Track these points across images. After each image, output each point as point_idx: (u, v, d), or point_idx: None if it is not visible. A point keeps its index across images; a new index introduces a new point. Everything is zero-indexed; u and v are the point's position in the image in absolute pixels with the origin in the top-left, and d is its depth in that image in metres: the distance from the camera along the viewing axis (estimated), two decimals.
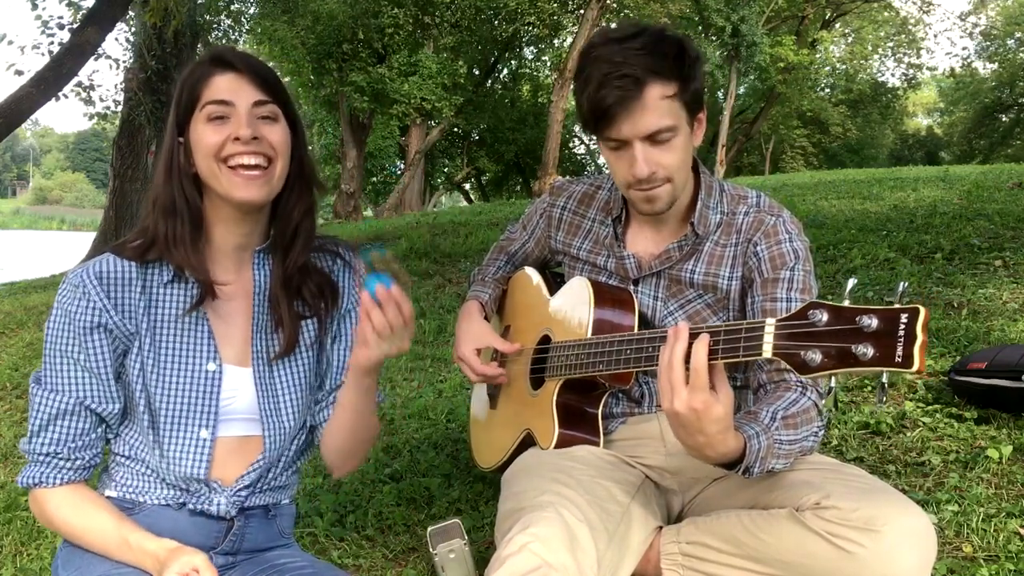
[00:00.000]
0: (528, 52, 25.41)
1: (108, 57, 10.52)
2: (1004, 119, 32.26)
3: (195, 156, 1.32)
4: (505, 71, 26.62)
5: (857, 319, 1.08)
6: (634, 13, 19.36)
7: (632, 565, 1.48)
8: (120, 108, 10.64)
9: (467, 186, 30.89)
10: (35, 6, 10.04)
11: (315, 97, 18.60)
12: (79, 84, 10.63)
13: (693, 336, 1.25)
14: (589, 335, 1.61)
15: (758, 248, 1.60)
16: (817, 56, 28.23)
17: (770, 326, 1.19)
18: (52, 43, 9.75)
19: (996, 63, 31.74)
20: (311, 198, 1.42)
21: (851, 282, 1.17)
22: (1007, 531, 1.80)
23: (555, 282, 1.91)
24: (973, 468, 2.08)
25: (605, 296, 1.65)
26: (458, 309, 1.95)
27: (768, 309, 1.54)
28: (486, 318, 1.93)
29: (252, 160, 1.30)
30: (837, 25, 28.95)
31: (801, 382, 1.48)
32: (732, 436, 1.29)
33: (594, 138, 1.63)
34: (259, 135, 1.30)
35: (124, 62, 10.74)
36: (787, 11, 25.20)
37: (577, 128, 27.60)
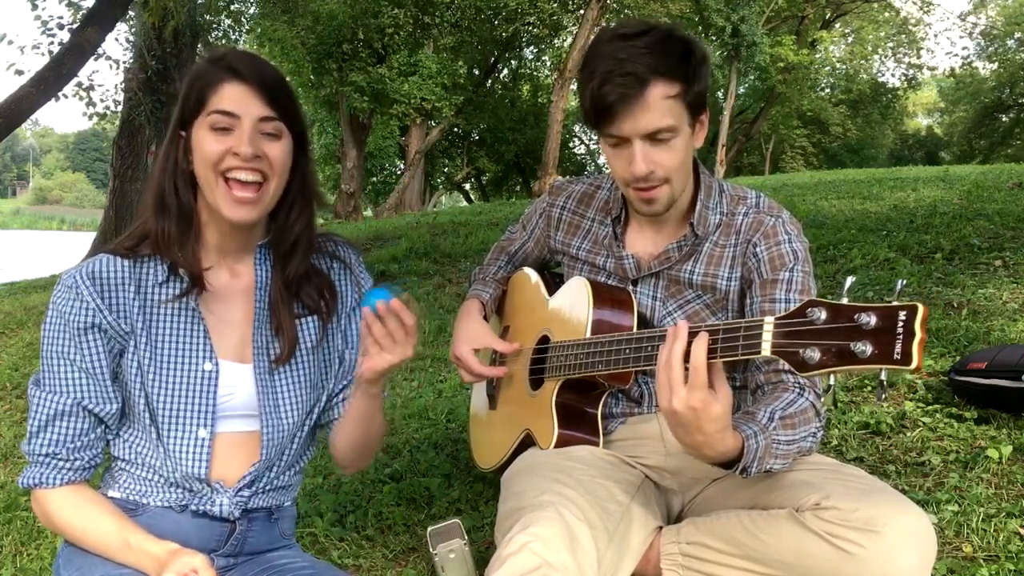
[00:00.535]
0: (528, 52, 25.42)
1: (108, 57, 10.50)
2: (1004, 119, 32.25)
3: (193, 158, 1.32)
4: (505, 71, 26.63)
5: (856, 317, 1.08)
6: (634, 13, 19.34)
7: (632, 565, 1.48)
8: (120, 108, 10.63)
9: (467, 186, 30.90)
10: (35, 6, 10.03)
11: (315, 97, 18.60)
12: (79, 84, 10.61)
13: (692, 334, 1.25)
14: (588, 335, 1.61)
15: (757, 249, 1.60)
16: (817, 56, 28.23)
17: (768, 324, 1.18)
18: (52, 43, 9.74)
19: (996, 63, 31.74)
20: (310, 213, 1.42)
21: (849, 280, 1.16)
22: (1007, 531, 1.80)
23: (554, 282, 1.90)
24: (973, 468, 2.08)
25: (604, 296, 1.65)
26: (458, 309, 1.95)
27: (767, 310, 1.54)
28: (485, 317, 1.93)
29: (249, 177, 1.30)
30: (837, 25, 28.95)
31: (799, 383, 1.48)
32: (730, 435, 1.29)
33: (595, 138, 1.63)
34: (260, 152, 1.30)
35: (124, 62, 10.73)
36: (787, 11, 25.21)
37: (577, 128, 27.62)
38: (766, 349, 1.18)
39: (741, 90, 26.26)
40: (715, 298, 1.65)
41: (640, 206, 1.61)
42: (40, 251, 25.81)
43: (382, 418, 1.47)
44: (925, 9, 28.23)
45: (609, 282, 1.72)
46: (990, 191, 6.80)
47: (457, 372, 3.30)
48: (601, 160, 28.56)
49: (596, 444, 1.67)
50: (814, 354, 1.11)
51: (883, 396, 1.14)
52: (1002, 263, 3.96)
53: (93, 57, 8.88)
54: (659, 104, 1.48)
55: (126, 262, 1.34)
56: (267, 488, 1.44)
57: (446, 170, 29.25)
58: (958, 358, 2.66)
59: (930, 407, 2.45)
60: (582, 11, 17.28)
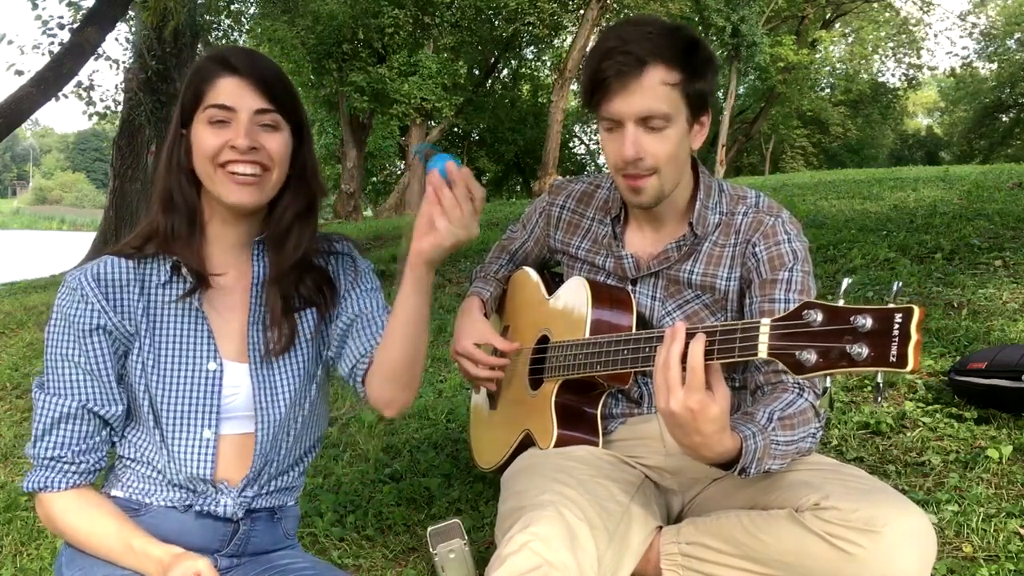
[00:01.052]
0: (528, 52, 25.42)
1: (108, 57, 10.51)
2: (1004, 119, 32.25)
3: (193, 154, 1.33)
4: (505, 71, 26.63)
5: (852, 319, 1.08)
6: (634, 13, 19.36)
7: (632, 565, 1.48)
8: (120, 108, 10.64)
9: None
10: (35, 6, 10.04)
11: (315, 97, 18.61)
12: (79, 84, 10.63)
13: (689, 336, 1.25)
14: (587, 335, 1.61)
15: (757, 249, 1.60)
16: (817, 56, 28.24)
17: (765, 326, 1.18)
18: (52, 43, 9.75)
19: (996, 63, 31.74)
20: (307, 201, 1.41)
21: (845, 282, 1.16)
22: (1007, 531, 1.80)
23: (554, 282, 1.90)
24: (973, 468, 2.08)
25: (603, 296, 1.65)
26: (458, 308, 1.94)
27: (766, 310, 1.54)
28: (486, 315, 1.93)
29: (248, 169, 1.30)
30: (837, 25, 28.96)
31: (798, 383, 1.48)
32: (728, 436, 1.29)
33: (595, 138, 1.63)
34: (257, 144, 1.30)
35: (124, 62, 10.74)
36: (787, 11, 25.22)
37: (577, 128, 27.62)
38: (762, 351, 1.18)
39: (741, 90, 26.27)
40: (714, 298, 1.65)
41: (628, 195, 1.60)
42: (40, 251, 25.81)
43: (427, 329, 1.34)
44: (925, 9, 28.25)
45: (608, 282, 1.72)
46: (990, 191, 6.80)
47: (457, 372, 3.32)
48: (601, 160, 28.58)
49: (596, 444, 1.67)
50: (810, 356, 1.11)
51: (880, 399, 1.14)
52: (1002, 263, 3.96)
53: (93, 57, 8.89)
54: (656, 88, 1.48)
55: (130, 263, 1.34)
56: (271, 488, 1.43)
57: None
58: (958, 358, 2.66)
59: (930, 407, 2.45)
60: (582, 11, 17.29)
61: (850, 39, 31.11)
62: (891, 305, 1.06)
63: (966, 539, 1.79)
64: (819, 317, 1.11)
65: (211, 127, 1.30)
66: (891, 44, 30.91)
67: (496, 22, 19.48)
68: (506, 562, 1.29)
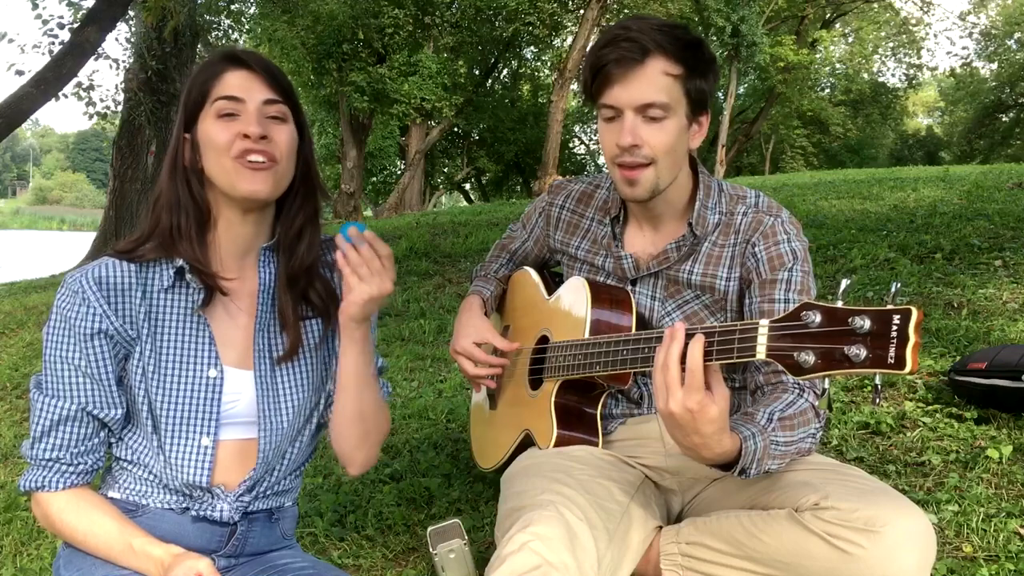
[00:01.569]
0: (528, 52, 25.40)
1: (108, 57, 10.51)
2: (1004, 119, 32.24)
3: (203, 152, 1.32)
4: (505, 71, 26.62)
5: (850, 320, 1.07)
6: (634, 13, 19.36)
7: (632, 565, 1.48)
8: (120, 108, 10.64)
9: (467, 186, 30.91)
10: (35, 6, 10.04)
11: (315, 97, 18.62)
12: (79, 84, 10.62)
13: (689, 336, 1.24)
14: (586, 335, 1.61)
15: (756, 249, 1.60)
16: (817, 56, 28.24)
17: (763, 327, 1.18)
18: (52, 43, 9.74)
19: (996, 63, 31.74)
20: (315, 203, 1.41)
21: (844, 283, 1.16)
22: (1007, 531, 1.80)
23: (554, 282, 1.90)
24: (973, 468, 2.08)
25: (603, 296, 1.65)
26: (458, 308, 1.94)
27: (766, 310, 1.54)
28: (486, 314, 1.93)
29: (259, 158, 1.29)
30: (837, 25, 28.97)
31: (798, 384, 1.48)
32: (728, 437, 1.29)
33: (595, 138, 1.63)
34: (267, 134, 1.29)
35: (124, 62, 10.74)
36: (787, 11, 25.22)
37: (577, 128, 27.62)
38: (761, 352, 1.18)
39: (741, 90, 26.27)
40: (714, 298, 1.65)
41: (623, 188, 1.59)
42: (40, 251, 25.79)
43: (376, 389, 1.43)
44: (925, 9, 28.26)
45: (608, 282, 1.72)
46: (990, 191, 6.80)
47: (457, 372, 3.32)
48: (601, 160, 28.56)
49: (595, 444, 1.67)
50: (808, 357, 1.11)
51: (878, 400, 1.14)
52: (1002, 263, 3.96)
53: (93, 57, 8.88)
54: (657, 77, 1.49)
55: (132, 266, 1.32)
56: (268, 492, 1.43)
57: (446, 170, 29.25)
58: (958, 358, 2.66)
59: (930, 407, 2.45)
60: (582, 11, 17.27)
61: (850, 39, 31.11)
62: (889, 307, 1.06)
63: (966, 539, 1.79)
64: (817, 318, 1.11)
65: (220, 121, 1.29)
66: (891, 44, 30.93)
67: (496, 22, 19.47)
68: (506, 562, 1.29)
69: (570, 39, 20.04)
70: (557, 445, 1.64)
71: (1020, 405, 2.30)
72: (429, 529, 1.79)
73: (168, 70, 9.92)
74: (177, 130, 1.34)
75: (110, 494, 1.37)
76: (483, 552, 1.89)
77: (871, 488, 1.37)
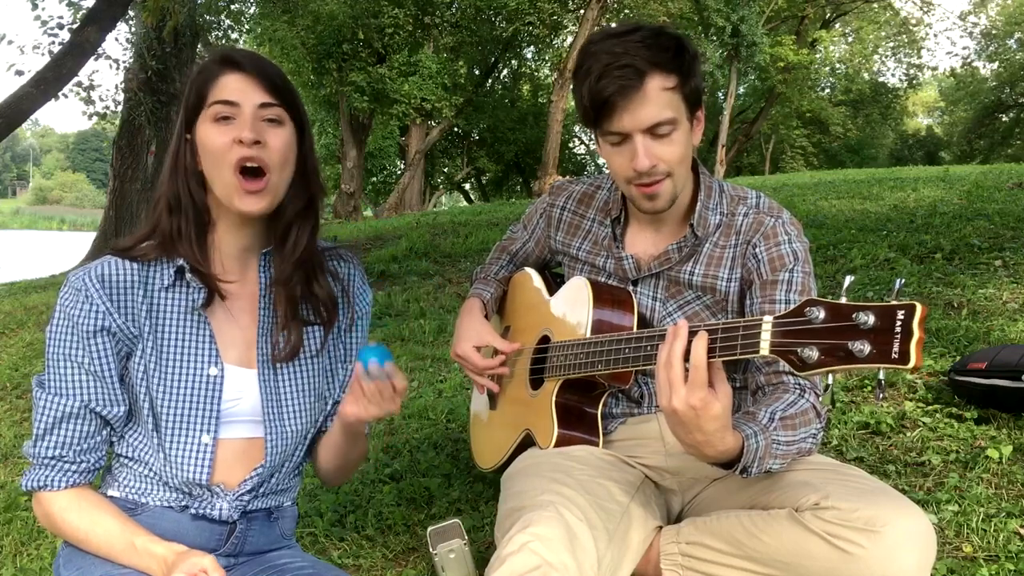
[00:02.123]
0: (528, 52, 25.40)
1: (108, 57, 10.51)
2: (1004, 119, 32.25)
3: (200, 155, 1.32)
4: (505, 71, 26.62)
5: (854, 316, 1.08)
6: (634, 13, 19.36)
7: (632, 565, 1.48)
8: (120, 108, 10.64)
9: (467, 186, 30.90)
10: (35, 6, 10.05)
11: (315, 97, 18.61)
12: (79, 84, 10.63)
13: (692, 333, 1.25)
14: (588, 335, 1.61)
15: (757, 250, 1.60)
16: (817, 56, 28.24)
17: (767, 323, 1.18)
18: (52, 43, 9.75)
19: (996, 63, 31.75)
20: (306, 199, 1.40)
21: (848, 279, 1.16)
22: (1007, 531, 1.80)
23: (555, 282, 1.90)
24: (973, 468, 2.08)
25: (604, 296, 1.65)
26: (458, 309, 1.94)
27: (767, 311, 1.54)
28: (486, 317, 1.93)
29: (253, 164, 1.29)
30: (837, 25, 28.97)
31: (800, 384, 1.48)
32: (730, 435, 1.29)
33: (594, 138, 1.63)
34: (262, 139, 1.29)
35: (124, 62, 10.74)
36: (787, 11, 25.21)
37: (577, 128, 27.60)
38: (764, 348, 1.18)
39: (741, 90, 26.27)
40: (715, 299, 1.65)
41: (643, 203, 1.59)
42: (40, 251, 25.80)
43: (364, 445, 1.52)
44: (925, 9, 28.26)
45: (609, 282, 1.72)
46: (990, 191, 6.80)
47: (457, 372, 3.32)
48: (601, 160, 28.55)
49: (596, 444, 1.67)
50: (812, 353, 1.11)
51: (882, 395, 1.14)
52: (1002, 263, 3.96)
53: (93, 57, 8.87)
54: (658, 96, 1.48)
55: (134, 264, 1.33)
56: (267, 492, 1.43)
57: (446, 170, 29.25)
58: (958, 358, 2.66)
59: (930, 407, 2.45)
60: (582, 11, 17.28)
61: (850, 39, 31.11)
62: (894, 302, 1.06)
63: (966, 539, 1.79)
64: (821, 314, 1.11)
65: (216, 125, 1.29)
66: (891, 44, 30.93)
67: (496, 22, 19.48)
68: (506, 562, 1.29)
69: (570, 39, 20.06)
70: (558, 444, 1.64)
71: (1020, 405, 2.30)
72: (429, 529, 1.79)
73: (168, 70, 9.92)
74: (178, 130, 1.35)
75: (110, 492, 1.38)
76: (483, 552, 1.89)
77: (871, 488, 1.36)
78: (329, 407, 1.50)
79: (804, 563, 1.32)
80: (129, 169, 10.17)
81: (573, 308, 1.69)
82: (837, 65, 32.00)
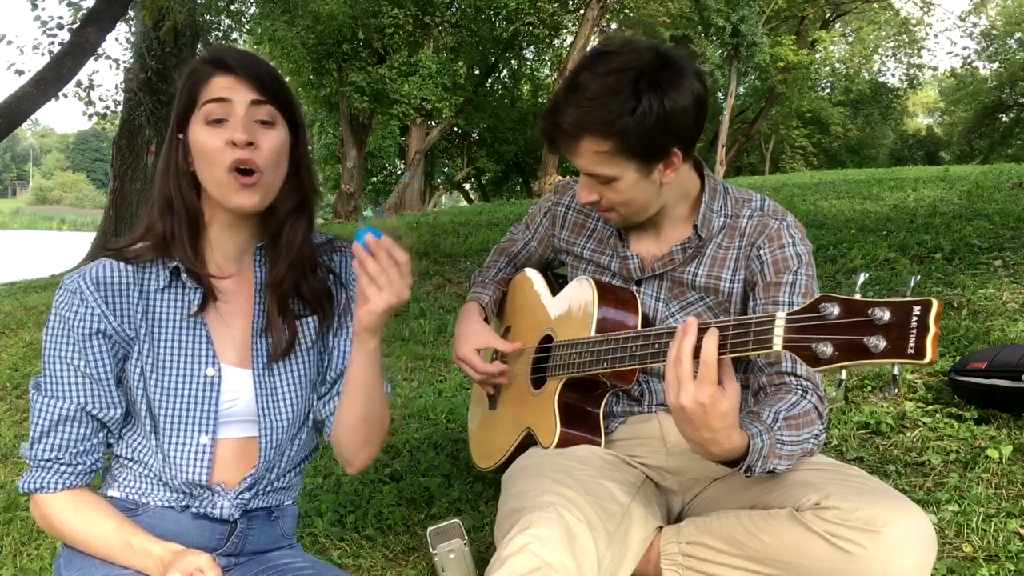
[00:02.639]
0: (528, 52, 25.39)
1: (108, 57, 10.51)
2: (1004, 119, 32.26)
3: (192, 156, 1.32)
4: (505, 71, 26.60)
5: (869, 312, 1.08)
6: (634, 13, 19.38)
7: (632, 565, 1.48)
8: (120, 108, 10.64)
9: (467, 186, 30.90)
10: (35, 6, 10.05)
11: (315, 97, 18.62)
12: (79, 84, 10.64)
13: (702, 330, 1.25)
14: (593, 334, 1.61)
15: (761, 252, 1.60)
16: (817, 56, 28.24)
17: (780, 319, 1.19)
18: (52, 43, 9.75)
19: (996, 63, 31.75)
20: (299, 198, 1.39)
21: (862, 276, 1.17)
22: (1007, 531, 1.80)
23: (557, 283, 1.90)
24: (973, 468, 2.08)
25: (609, 296, 1.65)
26: (458, 309, 1.94)
27: (770, 312, 1.54)
28: (486, 319, 1.93)
29: (246, 167, 1.29)
30: (837, 25, 28.97)
31: (802, 385, 1.49)
32: (737, 433, 1.29)
33: None
34: (254, 140, 1.28)
35: (124, 62, 10.74)
36: (787, 11, 25.21)
37: None
38: (778, 344, 1.18)
39: (741, 90, 26.27)
40: (718, 300, 1.65)
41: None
42: (40, 251, 25.78)
43: (385, 404, 1.43)
44: (925, 9, 28.27)
45: (614, 282, 1.72)
46: (990, 191, 6.80)
47: (457, 372, 3.32)
48: None
49: (598, 444, 1.67)
50: (826, 348, 1.12)
51: (894, 390, 1.14)
52: (1002, 263, 3.96)
53: (93, 57, 8.88)
54: (591, 157, 1.51)
55: (129, 266, 1.32)
56: (268, 490, 1.43)
57: (446, 170, 29.24)
58: (958, 358, 2.66)
59: (930, 407, 2.45)
60: (582, 11, 17.29)
61: (850, 39, 31.11)
62: (909, 298, 1.06)
63: (966, 539, 1.79)
64: (836, 310, 1.12)
65: (208, 127, 1.29)
66: (891, 44, 30.93)
67: (496, 22, 19.48)
68: (506, 563, 1.29)
69: (570, 39, 20.05)
70: (560, 443, 1.64)
71: (1020, 405, 2.30)
72: (429, 529, 1.79)
73: (168, 70, 9.91)
74: (170, 131, 1.34)
75: (110, 493, 1.37)
76: (483, 552, 1.89)
77: (872, 488, 1.37)
78: (324, 392, 1.47)
79: (804, 563, 1.32)
80: (129, 169, 10.16)
81: (578, 307, 1.69)
82: (837, 65, 32.01)
